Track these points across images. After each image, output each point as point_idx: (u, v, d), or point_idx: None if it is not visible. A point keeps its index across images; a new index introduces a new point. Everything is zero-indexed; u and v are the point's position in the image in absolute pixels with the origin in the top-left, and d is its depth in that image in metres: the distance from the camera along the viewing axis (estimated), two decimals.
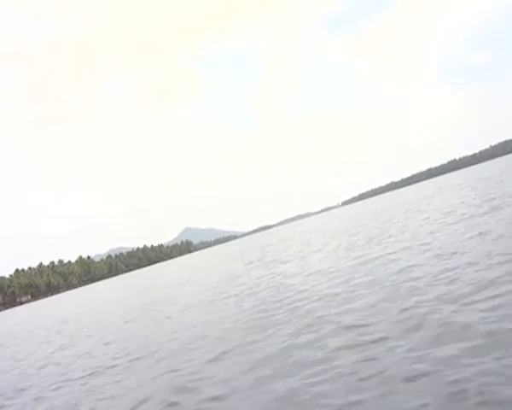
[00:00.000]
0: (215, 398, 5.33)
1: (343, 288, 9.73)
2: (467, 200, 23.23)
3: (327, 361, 5.49)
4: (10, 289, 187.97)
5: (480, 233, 11.42)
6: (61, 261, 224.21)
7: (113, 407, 6.14)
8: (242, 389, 5.39)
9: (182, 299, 16.93)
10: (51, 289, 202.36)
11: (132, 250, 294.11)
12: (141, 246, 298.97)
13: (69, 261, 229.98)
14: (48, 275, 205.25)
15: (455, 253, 9.92)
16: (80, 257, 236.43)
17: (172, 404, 5.56)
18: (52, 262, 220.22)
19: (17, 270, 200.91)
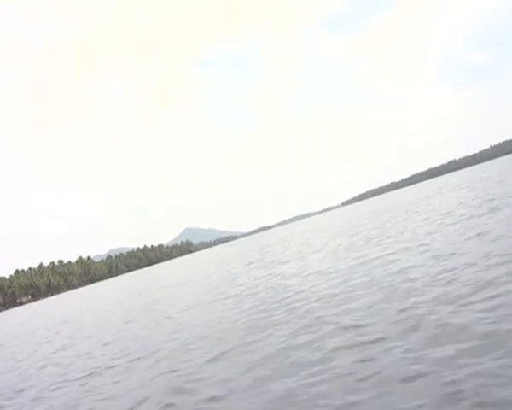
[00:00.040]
0: (213, 398, 5.35)
1: (341, 288, 9.76)
2: (466, 200, 23.25)
3: (325, 362, 5.51)
4: (10, 290, 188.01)
5: (479, 234, 11.44)
6: (61, 262, 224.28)
7: (112, 407, 6.16)
8: (241, 389, 5.41)
9: (182, 299, 16.95)
10: (51, 290, 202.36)
11: (132, 251, 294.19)
12: (141, 246, 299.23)
13: (69, 262, 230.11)
14: (48, 275, 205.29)
15: (453, 254, 9.94)
16: (80, 257, 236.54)
17: (171, 404, 5.58)
18: (52, 262, 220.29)
19: (17, 270, 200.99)
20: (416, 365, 4.65)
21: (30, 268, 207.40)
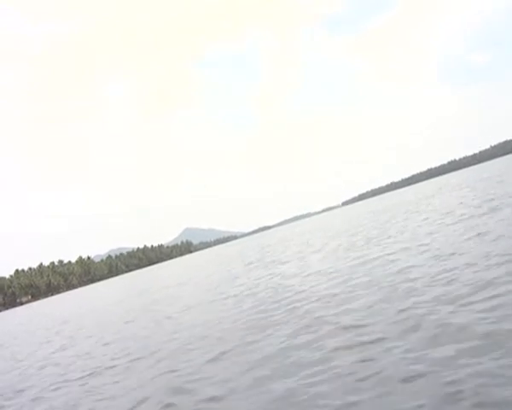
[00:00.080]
0: (213, 398, 5.35)
1: (341, 288, 9.76)
2: (466, 200, 23.25)
3: (325, 362, 5.51)
4: (10, 290, 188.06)
5: (479, 234, 11.44)
6: (61, 262, 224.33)
7: (112, 407, 6.16)
8: (240, 389, 5.41)
9: (182, 299, 16.96)
10: (51, 290, 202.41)
11: (132, 251, 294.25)
12: (141, 246, 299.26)
13: (69, 262, 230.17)
14: (48, 275, 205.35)
15: (453, 254, 9.94)
16: (80, 257, 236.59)
17: (170, 404, 5.58)
18: (52, 263, 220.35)
19: (17, 270, 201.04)
20: (415, 365, 4.65)
21: (30, 268, 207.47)
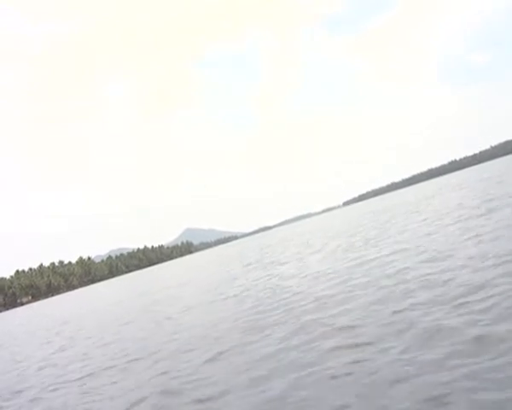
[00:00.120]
0: (209, 398, 5.40)
1: (339, 289, 9.80)
2: (466, 201, 23.28)
3: (320, 363, 5.55)
4: (11, 290, 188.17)
5: (477, 235, 11.47)
6: (61, 262, 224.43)
7: (110, 408, 6.21)
8: (237, 389, 5.45)
9: (182, 300, 17.00)
10: (52, 290, 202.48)
11: (133, 251, 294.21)
12: (141, 247, 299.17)
13: (69, 262, 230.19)
14: (48, 276, 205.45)
15: (451, 255, 9.97)
16: (81, 258, 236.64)
17: (168, 405, 5.62)
18: (52, 263, 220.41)
19: (17, 271, 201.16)
20: (408, 366, 4.70)
21: (30, 269, 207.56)
